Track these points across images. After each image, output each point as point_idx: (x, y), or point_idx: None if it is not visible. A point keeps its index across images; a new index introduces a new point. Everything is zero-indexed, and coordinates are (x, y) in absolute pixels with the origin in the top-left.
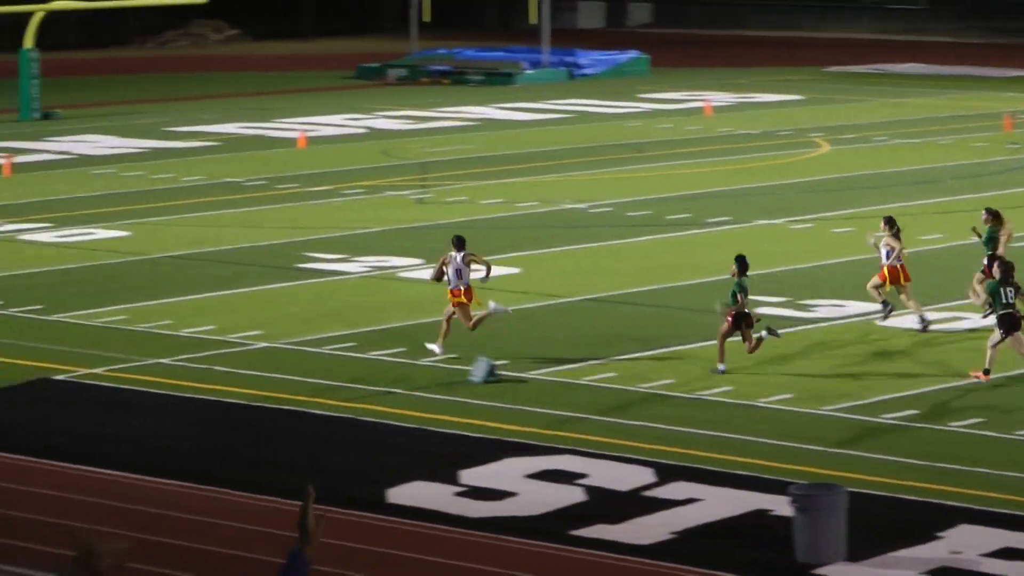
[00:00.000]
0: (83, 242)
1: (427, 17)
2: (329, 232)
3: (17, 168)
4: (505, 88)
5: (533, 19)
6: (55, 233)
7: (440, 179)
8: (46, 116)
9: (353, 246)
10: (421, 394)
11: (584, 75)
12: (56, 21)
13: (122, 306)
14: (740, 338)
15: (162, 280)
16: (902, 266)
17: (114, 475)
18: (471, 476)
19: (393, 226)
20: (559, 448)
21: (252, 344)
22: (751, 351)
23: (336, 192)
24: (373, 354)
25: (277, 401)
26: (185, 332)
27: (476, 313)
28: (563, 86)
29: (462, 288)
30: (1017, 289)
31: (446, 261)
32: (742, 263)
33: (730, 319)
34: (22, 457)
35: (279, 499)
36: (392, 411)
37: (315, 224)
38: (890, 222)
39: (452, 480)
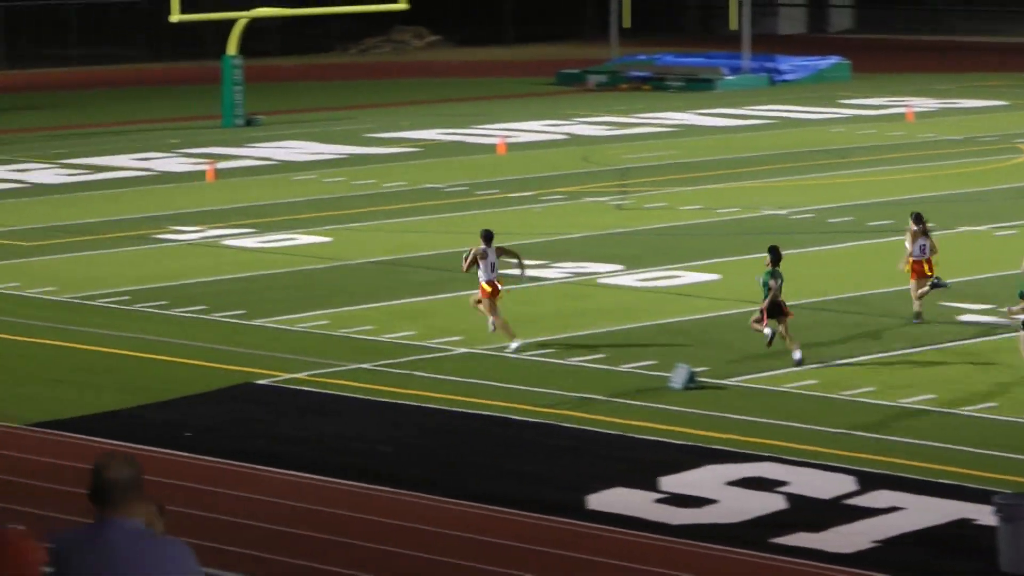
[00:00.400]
0: (285, 247)
1: (627, 23)
2: (529, 238)
3: (220, 174)
4: (705, 94)
5: (734, 25)
6: (257, 238)
7: (640, 185)
8: (248, 122)
9: (553, 252)
10: (621, 400)
11: (785, 81)
12: (259, 28)
13: (323, 311)
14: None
15: (363, 285)
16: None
17: (313, 479)
18: (671, 483)
19: (592, 232)
20: (760, 455)
21: (452, 350)
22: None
23: (536, 198)
24: (573, 360)
25: (477, 407)
26: (386, 337)
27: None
28: (764, 92)
29: (495, 280)
30: None
31: (479, 255)
32: (775, 253)
33: (762, 312)
34: (224, 461)
35: (479, 504)
36: (592, 417)
37: (515, 230)
38: (918, 218)
39: (652, 487)
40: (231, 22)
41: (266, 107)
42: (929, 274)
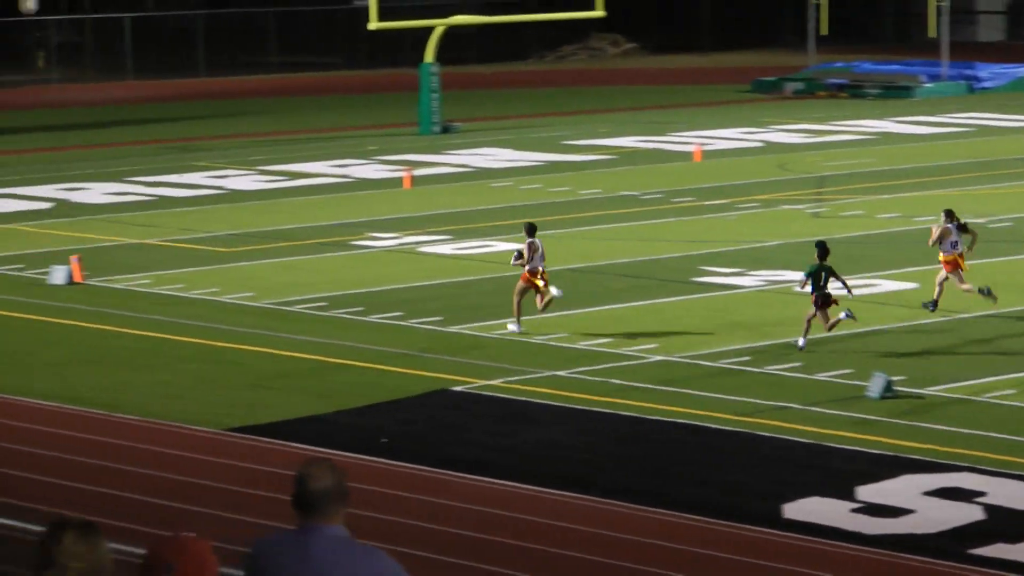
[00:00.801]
0: (481, 254)
1: (824, 30)
2: (725, 246)
3: (417, 181)
4: (903, 101)
5: (932, 32)
6: (454, 245)
7: (836, 193)
8: (445, 130)
9: (749, 259)
10: (818, 409)
11: (984, 88)
12: (456, 36)
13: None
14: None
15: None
16: (960, 255)
17: (508, 485)
18: (868, 492)
19: (789, 240)
20: (958, 465)
21: (648, 357)
22: (828, 329)
23: (731, 206)
24: (769, 368)
25: (672, 414)
26: (581, 345)
27: (545, 293)
28: (962, 99)
29: (540, 270)
30: None
31: (534, 248)
32: (823, 248)
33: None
34: (419, 467)
35: (674, 512)
36: (788, 426)
37: (711, 237)
38: (950, 215)
39: (849, 496)
40: (429, 30)
41: (463, 114)
42: (963, 269)
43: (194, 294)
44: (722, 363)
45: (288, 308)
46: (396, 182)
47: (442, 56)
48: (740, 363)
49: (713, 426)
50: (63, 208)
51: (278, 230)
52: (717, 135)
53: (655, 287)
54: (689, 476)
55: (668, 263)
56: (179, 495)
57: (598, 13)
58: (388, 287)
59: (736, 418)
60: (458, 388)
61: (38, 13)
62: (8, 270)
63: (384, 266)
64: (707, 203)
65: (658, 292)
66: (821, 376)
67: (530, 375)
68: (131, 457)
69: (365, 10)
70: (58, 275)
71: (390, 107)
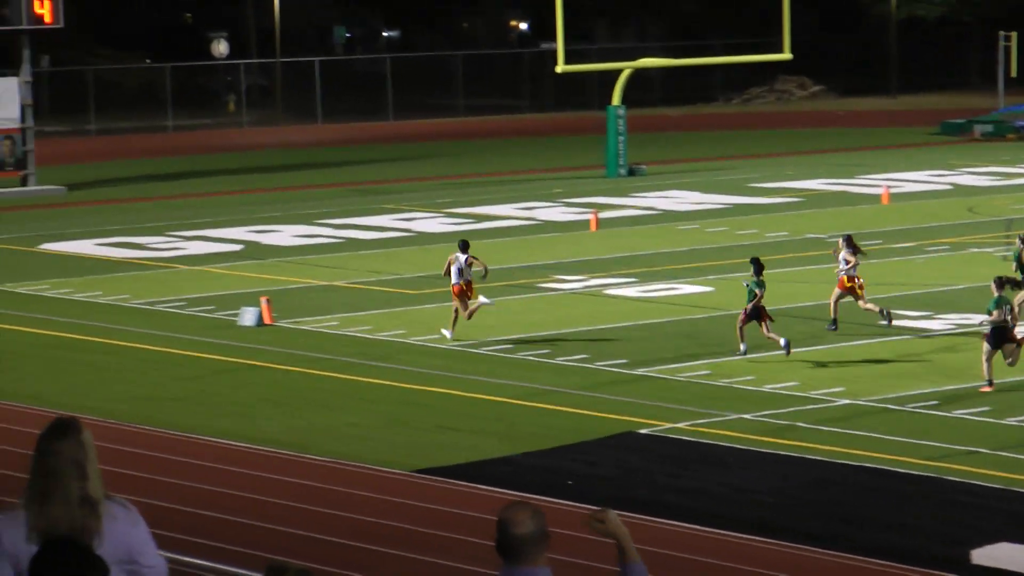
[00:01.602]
0: (667, 297)
1: (1014, 72)
2: (911, 289)
3: (603, 223)
4: None
5: None
6: (639, 288)
7: None
8: (631, 172)
9: (937, 303)
10: (1007, 454)
11: None
12: (642, 78)
13: (705, 361)
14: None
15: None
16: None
17: (696, 529)
18: None
19: (978, 283)
20: None
21: (835, 401)
22: (767, 333)
23: (919, 248)
24: (957, 412)
25: (859, 458)
26: (767, 388)
27: (472, 303)
28: None
29: (462, 283)
30: None
31: (451, 261)
32: (757, 264)
33: (745, 313)
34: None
35: (862, 557)
36: (977, 471)
37: (897, 280)
38: (849, 240)
39: None
40: (615, 72)
41: (649, 157)
42: (849, 284)
43: (381, 336)
44: (909, 407)
45: (475, 350)
46: (582, 224)
47: (629, 98)
48: (928, 407)
49: (900, 470)
50: (253, 250)
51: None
52: (905, 178)
53: (841, 330)
54: (876, 520)
55: (854, 306)
56: (367, 536)
57: (785, 56)
58: (574, 329)
59: (923, 462)
60: (644, 431)
61: (228, 57)
62: (199, 311)
63: (570, 308)
64: (895, 246)
65: (845, 335)
66: (1011, 421)
67: (716, 418)
68: (320, 498)
69: (552, 53)
70: (248, 317)
71: (576, 150)
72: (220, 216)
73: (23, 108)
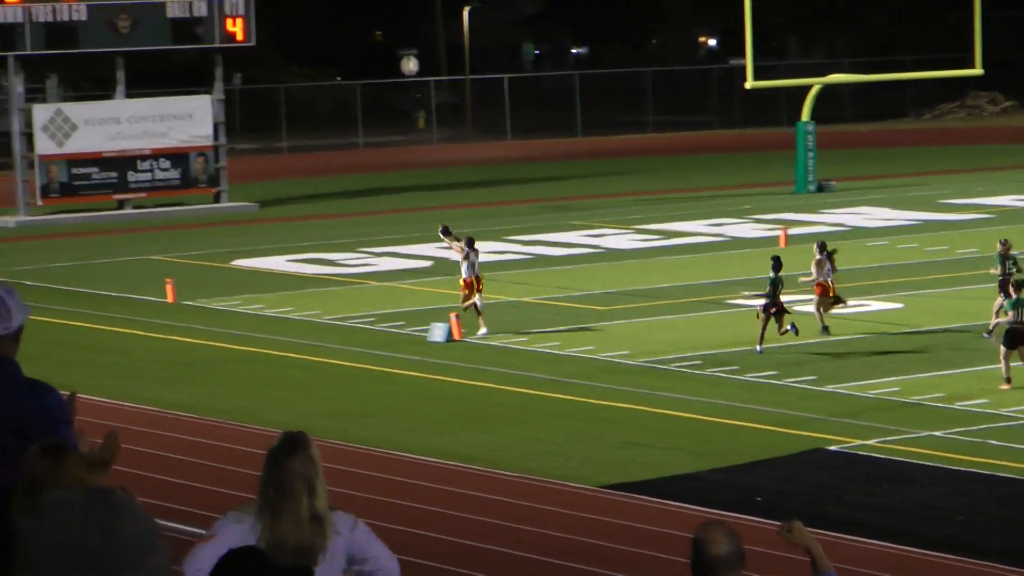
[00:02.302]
0: (856, 314)
1: None
2: None
3: (792, 239)
4: None
5: None
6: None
7: None
8: (821, 188)
9: None
10: None
11: None
12: (832, 94)
13: (895, 378)
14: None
15: (936, 352)
16: (832, 281)
17: (884, 547)
18: None
19: None
20: None
21: None
22: (781, 333)
23: None
24: None
25: None
26: (958, 405)
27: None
28: None
29: (472, 277)
30: None
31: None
32: (777, 262)
33: (763, 309)
34: None
35: None
36: None
37: None
38: (822, 247)
39: None
40: (805, 88)
41: (838, 173)
42: (831, 296)
43: (570, 352)
44: None
45: (663, 366)
46: (772, 241)
47: (818, 115)
48: None
49: None
50: (442, 266)
51: (653, 289)
52: None
53: None
54: None
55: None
56: (557, 552)
57: (976, 71)
58: (763, 346)
59: None
60: (833, 447)
61: (419, 74)
62: (389, 327)
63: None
64: None
65: None
66: None
67: (906, 435)
68: (511, 514)
69: (741, 69)
70: (437, 333)
71: (765, 166)
72: (410, 232)
73: (215, 126)
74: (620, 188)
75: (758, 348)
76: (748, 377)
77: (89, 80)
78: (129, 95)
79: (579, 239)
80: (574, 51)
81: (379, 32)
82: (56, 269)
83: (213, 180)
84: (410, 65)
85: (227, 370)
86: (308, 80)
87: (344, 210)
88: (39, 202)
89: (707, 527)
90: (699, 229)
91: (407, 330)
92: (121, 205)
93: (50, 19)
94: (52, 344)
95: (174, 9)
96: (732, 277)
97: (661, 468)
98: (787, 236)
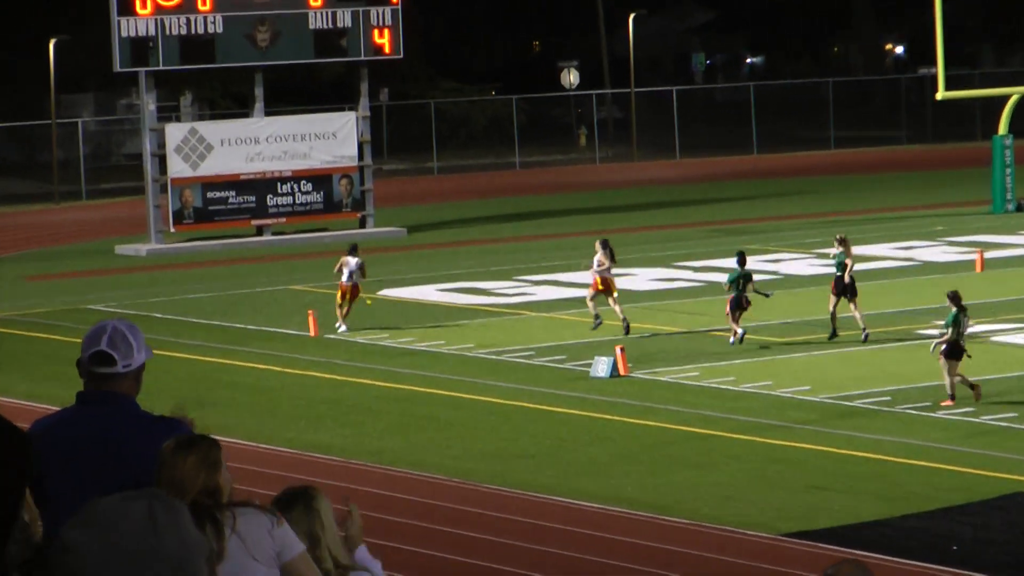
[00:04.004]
0: None
1: None
2: None
3: (989, 264)
4: None
5: None
6: None
7: None
8: (1020, 208)
9: None
10: None
11: None
12: None
13: None
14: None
15: None
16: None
17: None
18: None
19: None
20: None
21: None
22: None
23: None
24: None
25: None
26: None
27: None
28: None
29: (348, 285)
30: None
31: (343, 264)
32: (742, 257)
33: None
34: None
35: None
36: None
37: None
38: (605, 244)
39: None
40: (1002, 99)
41: None
42: (602, 289)
43: (746, 387)
44: None
45: (847, 403)
46: (967, 265)
47: (1016, 127)
48: None
49: None
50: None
51: (842, 318)
52: None
53: None
54: None
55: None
56: None
57: None
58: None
59: None
60: None
61: (579, 87)
62: (550, 362)
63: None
64: None
65: None
66: None
67: None
68: (680, 564)
69: (932, 79)
70: (601, 367)
71: (959, 184)
72: (571, 259)
73: (361, 145)
74: (799, 209)
75: (948, 392)
76: (941, 414)
77: (226, 97)
78: (268, 113)
79: (754, 265)
80: (748, 60)
81: (537, 42)
82: (190, 300)
83: (358, 204)
84: (571, 78)
85: (373, 409)
86: (460, 95)
87: (499, 235)
88: (172, 229)
89: (840, 565)
90: (886, 253)
91: (568, 364)
92: (260, 231)
93: (184, 32)
94: (185, 381)
95: (317, 20)
96: (922, 305)
97: (846, 514)
98: (983, 260)
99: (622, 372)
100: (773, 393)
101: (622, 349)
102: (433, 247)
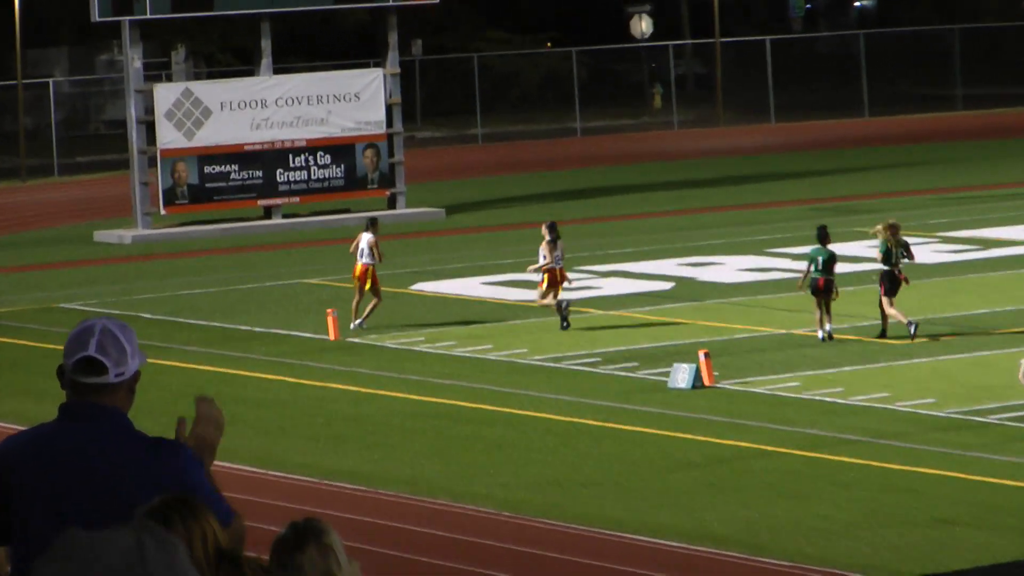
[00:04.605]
0: None
1: None
2: None
3: None
4: None
5: None
6: None
7: None
8: None
9: None
10: None
11: None
12: None
13: None
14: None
15: None
16: (560, 269)
17: None
18: None
19: None
20: None
21: None
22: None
23: None
24: None
25: None
26: None
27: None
28: None
29: (362, 267)
30: None
31: (357, 241)
32: (823, 233)
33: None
34: None
35: None
36: None
37: None
38: (552, 228)
39: None
40: None
41: None
42: (561, 281)
43: (856, 400)
44: None
45: (980, 418)
46: None
47: None
48: None
49: None
50: (687, 289)
51: (965, 315)
52: None
53: None
54: None
55: None
56: None
57: None
58: None
59: None
60: None
61: (652, 37)
62: (618, 370)
63: None
64: None
65: None
66: None
67: None
68: None
69: None
70: (681, 376)
71: None
72: (644, 245)
73: (389, 108)
74: (919, 184)
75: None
76: None
77: (226, 51)
78: (277, 70)
79: (865, 251)
80: (857, 4)
81: None
82: (184, 297)
83: (386, 179)
84: (642, 26)
85: (405, 427)
86: (508, 47)
87: (557, 216)
88: (162, 211)
89: None
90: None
91: (641, 372)
92: (268, 213)
93: None
94: (180, 395)
95: None
96: None
97: (981, 553)
98: None
99: (707, 382)
100: (890, 407)
101: (707, 354)
102: (476, 231)
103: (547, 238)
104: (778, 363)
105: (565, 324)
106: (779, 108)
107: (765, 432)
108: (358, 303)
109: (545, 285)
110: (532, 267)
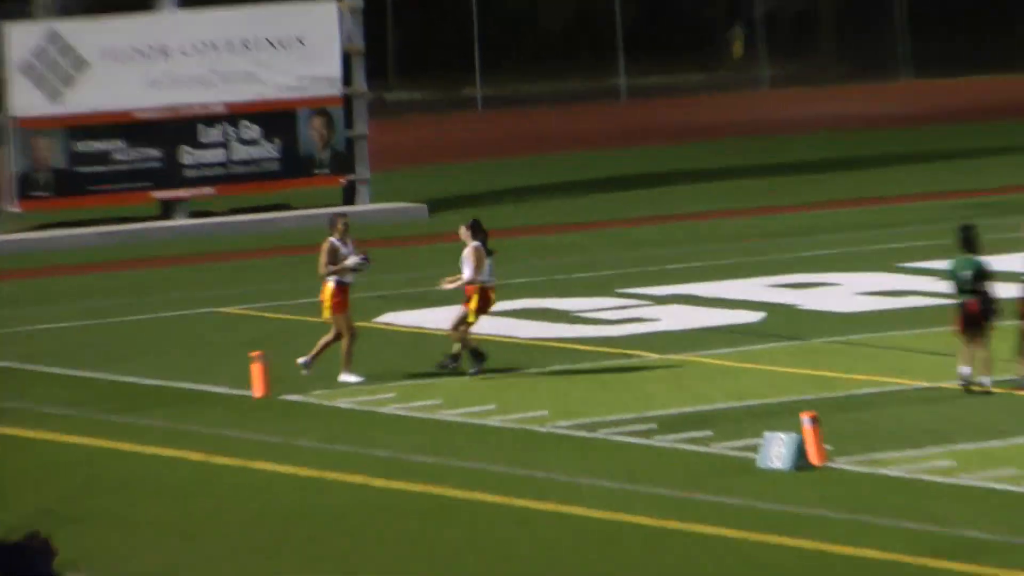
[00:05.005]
0: None
1: None
2: None
3: None
4: None
5: None
6: None
7: None
8: None
9: None
10: None
11: None
12: None
13: None
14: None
15: None
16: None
17: None
18: None
19: None
20: None
21: None
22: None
23: None
24: None
25: None
26: None
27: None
28: None
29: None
30: None
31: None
32: (968, 236)
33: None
34: None
35: None
36: None
37: None
38: (476, 228)
39: None
40: None
41: None
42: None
43: None
44: None
45: None
46: None
47: None
48: None
49: None
50: (783, 321)
51: None
52: None
53: None
54: None
55: None
56: None
57: None
58: None
59: None
60: None
61: None
62: (683, 441)
63: None
64: None
65: None
66: None
67: None
68: None
69: None
70: (777, 451)
71: None
72: (719, 258)
73: (348, 58)
74: None
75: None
76: None
77: None
78: (184, 2)
79: None
80: None
81: None
82: (47, 334)
83: (342, 161)
84: None
85: (369, 528)
86: None
87: (589, 216)
88: (15, 206)
89: None
90: None
91: (718, 446)
92: (167, 211)
93: None
94: (42, 479)
95: None
96: None
97: None
98: None
99: (814, 460)
100: None
101: (814, 419)
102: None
103: (471, 243)
104: (921, 432)
105: (475, 370)
106: (914, 60)
107: (902, 536)
108: (328, 343)
109: (474, 308)
110: (450, 280)
